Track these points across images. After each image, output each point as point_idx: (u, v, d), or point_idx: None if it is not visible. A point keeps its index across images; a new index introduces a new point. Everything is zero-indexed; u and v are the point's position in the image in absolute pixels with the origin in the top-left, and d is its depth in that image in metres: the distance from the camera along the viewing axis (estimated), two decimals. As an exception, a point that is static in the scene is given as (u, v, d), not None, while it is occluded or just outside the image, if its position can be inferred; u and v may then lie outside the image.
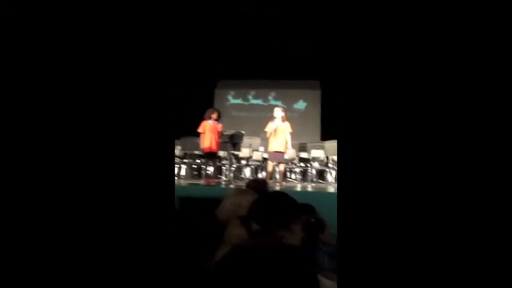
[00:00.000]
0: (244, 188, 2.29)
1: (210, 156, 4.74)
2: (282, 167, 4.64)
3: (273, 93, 8.06)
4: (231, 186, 4.51)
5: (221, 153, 5.42)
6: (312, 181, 5.54)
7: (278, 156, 4.47)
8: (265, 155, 5.33)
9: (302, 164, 5.80)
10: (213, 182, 4.69)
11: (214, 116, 4.70)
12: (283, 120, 4.51)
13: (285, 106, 7.52)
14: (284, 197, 1.04)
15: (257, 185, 2.38)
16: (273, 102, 7.85)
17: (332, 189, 4.91)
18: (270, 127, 4.49)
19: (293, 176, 5.88)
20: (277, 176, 4.81)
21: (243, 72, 7.62)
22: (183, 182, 4.51)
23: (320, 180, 5.68)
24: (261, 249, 0.69)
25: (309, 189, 4.91)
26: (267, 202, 1.05)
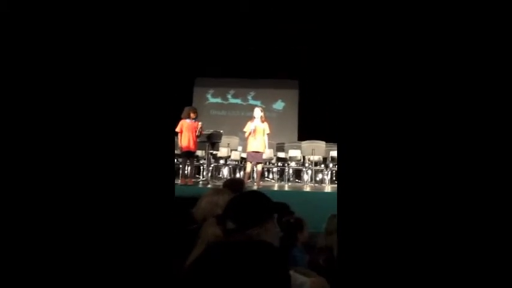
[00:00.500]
0: (221, 187, 2.30)
1: (188, 155, 4.70)
2: (259, 167, 4.69)
3: (252, 93, 8.09)
4: (209, 186, 4.50)
5: (199, 153, 5.38)
6: (289, 180, 5.62)
7: (257, 156, 4.52)
8: (244, 155, 5.35)
9: (280, 164, 5.88)
10: (190, 181, 4.65)
11: (193, 114, 4.67)
12: (262, 121, 4.56)
13: (264, 106, 7.58)
14: (259, 196, 1.07)
15: (234, 185, 2.40)
16: (252, 102, 7.88)
17: (308, 188, 5.01)
18: (249, 127, 4.52)
19: (271, 175, 5.94)
20: (255, 176, 4.85)
21: (223, 71, 7.60)
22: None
23: (297, 180, 5.78)
24: (234, 246, 0.71)
25: (286, 188, 4.99)
26: (242, 201, 1.07)
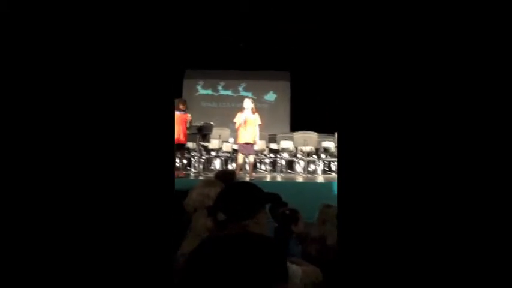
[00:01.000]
0: (212, 179, 2.27)
1: (179, 147, 4.65)
2: (251, 158, 4.67)
3: (243, 84, 8.02)
4: (201, 178, 4.47)
5: (190, 145, 5.33)
6: (281, 171, 5.63)
7: (248, 147, 4.49)
8: (235, 147, 5.32)
9: (272, 155, 5.87)
10: (181, 174, 4.61)
11: (182, 106, 4.60)
12: (253, 112, 4.51)
13: (255, 97, 7.52)
14: (250, 187, 1.05)
15: (226, 176, 2.38)
16: (243, 94, 7.82)
17: (301, 178, 5.03)
18: (239, 118, 4.48)
19: (263, 167, 5.94)
20: (248, 167, 4.83)
21: (213, 62, 7.50)
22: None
23: (289, 171, 5.79)
24: (226, 238, 0.69)
25: (279, 179, 4.99)
26: (233, 192, 1.05)
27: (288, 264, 1.03)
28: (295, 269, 0.97)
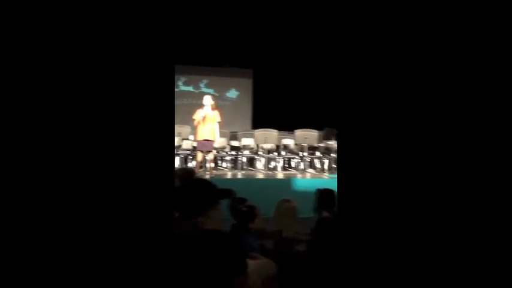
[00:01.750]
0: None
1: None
2: (211, 155, 4.62)
3: (205, 81, 7.90)
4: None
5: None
6: (242, 169, 5.65)
7: (207, 144, 4.43)
8: (195, 144, 5.23)
9: (233, 152, 5.87)
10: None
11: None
12: (212, 109, 4.46)
13: (217, 94, 7.44)
14: (202, 184, 1.04)
15: (185, 174, 2.33)
16: (204, 90, 7.70)
17: (261, 175, 5.09)
18: (198, 115, 4.41)
19: (224, 164, 5.92)
20: (208, 165, 4.78)
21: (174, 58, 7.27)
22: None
23: (250, 168, 5.83)
24: (181, 236, 0.68)
25: (239, 176, 5.01)
26: (185, 190, 1.04)
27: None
28: (250, 263, 0.98)
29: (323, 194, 2.10)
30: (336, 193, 2.17)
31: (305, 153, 5.58)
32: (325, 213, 1.99)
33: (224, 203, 1.93)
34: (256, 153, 5.75)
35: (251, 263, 1.06)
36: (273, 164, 5.78)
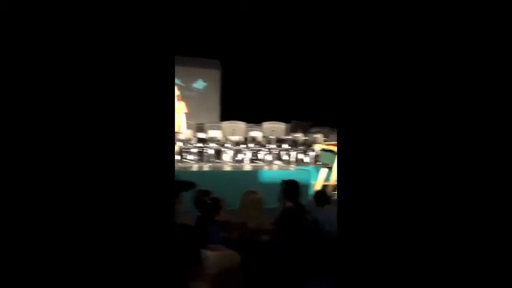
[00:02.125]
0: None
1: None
2: (176, 147, 4.51)
3: (170, 70, 7.66)
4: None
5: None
6: (208, 161, 5.59)
7: (174, 136, 4.32)
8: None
9: (200, 145, 5.78)
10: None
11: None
12: (178, 99, 4.34)
13: (183, 84, 7.25)
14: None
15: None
16: (170, 80, 7.47)
17: (228, 167, 5.07)
18: (164, 105, 4.27)
19: (190, 156, 5.81)
20: (173, 157, 4.66)
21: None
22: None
23: (217, 160, 5.78)
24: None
25: (206, 168, 4.95)
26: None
27: (203, 250, 1.03)
28: (208, 254, 0.97)
29: (288, 185, 2.14)
30: (300, 184, 2.23)
31: (272, 146, 5.64)
32: (289, 203, 2.03)
33: (188, 196, 1.91)
34: (223, 145, 5.71)
35: (214, 254, 1.05)
36: (240, 156, 5.77)
